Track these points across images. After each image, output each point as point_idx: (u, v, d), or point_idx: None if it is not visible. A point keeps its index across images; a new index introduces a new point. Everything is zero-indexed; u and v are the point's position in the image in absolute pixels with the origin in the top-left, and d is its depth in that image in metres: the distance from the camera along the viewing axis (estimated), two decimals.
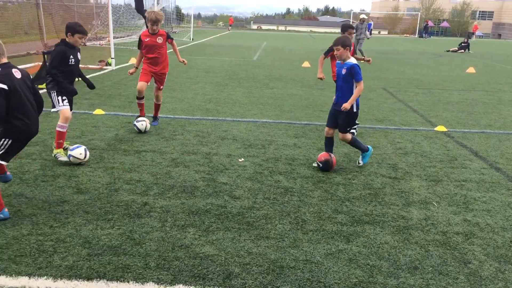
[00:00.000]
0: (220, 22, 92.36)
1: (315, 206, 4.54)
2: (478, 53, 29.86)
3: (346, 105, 5.33)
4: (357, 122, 5.62)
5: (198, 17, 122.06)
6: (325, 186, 5.09)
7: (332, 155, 5.62)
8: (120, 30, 26.00)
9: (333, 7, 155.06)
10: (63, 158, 5.51)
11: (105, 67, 14.34)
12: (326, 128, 5.74)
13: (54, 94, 5.56)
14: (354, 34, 19.85)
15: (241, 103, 9.76)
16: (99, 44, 21.64)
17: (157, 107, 7.60)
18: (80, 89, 10.55)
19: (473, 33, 58.84)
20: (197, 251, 3.57)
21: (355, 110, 5.52)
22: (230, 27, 66.15)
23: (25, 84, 4.04)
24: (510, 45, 46.87)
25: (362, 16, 21.23)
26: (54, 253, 3.45)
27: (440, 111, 9.71)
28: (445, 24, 73.23)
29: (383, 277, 3.34)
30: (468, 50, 30.56)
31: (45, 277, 3.14)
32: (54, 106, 5.69)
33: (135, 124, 6.97)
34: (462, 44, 30.88)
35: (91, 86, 5.99)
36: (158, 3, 24.80)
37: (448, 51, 30.31)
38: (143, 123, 6.94)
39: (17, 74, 3.97)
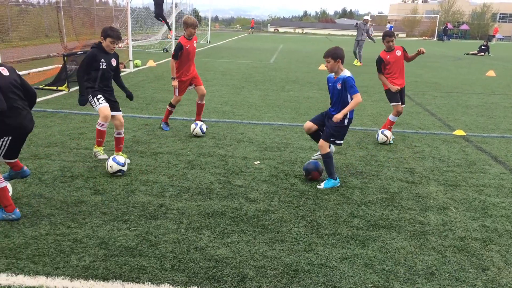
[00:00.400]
0: (238, 25, 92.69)
1: (331, 209, 4.52)
2: (498, 56, 29.35)
3: (338, 116, 4.92)
4: (338, 142, 5.19)
5: (215, 20, 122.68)
6: (341, 189, 5.06)
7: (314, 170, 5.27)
8: (139, 33, 26.31)
9: (351, 10, 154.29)
10: (102, 156, 5.67)
11: (123, 69, 14.52)
12: (308, 123, 5.36)
13: (90, 98, 5.46)
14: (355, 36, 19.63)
15: (257, 105, 9.77)
16: (118, 47, 21.93)
17: (201, 107, 7.58)
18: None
19: (493, 36, 57.93)
20: (212, 253, 3.59)
21: (346, 123, 5.10)
22: (251, 29, 66.52)
23: (13, 81, 4.02)
24: None
25: (365, 17, 20.86)
26: (71, 253, 3.51)
27: (459, 115, 9.57)
28: (464, 26, 72.21)
29: (399, 282, 3.30)
30: (488, 53, 30.07)
31: (62, 276, 3.19)
32: (93, 106, 5.60)
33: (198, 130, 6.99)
34: (482, 47, 30.40)
35: (130, 97, 5.97)
36: (176, 7, 25.02)
37: (467, 54, 29.86)
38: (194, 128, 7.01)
39: (4, 72, 3.98)
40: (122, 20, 22.61)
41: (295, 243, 3.81)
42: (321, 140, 5.17)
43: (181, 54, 6.95)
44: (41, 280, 3.15)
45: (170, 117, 7.58)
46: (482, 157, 6.52)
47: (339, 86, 5.09)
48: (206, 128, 7.19)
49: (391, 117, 7.19)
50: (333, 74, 5.21)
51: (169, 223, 4.07)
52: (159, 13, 22.44)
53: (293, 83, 13.48)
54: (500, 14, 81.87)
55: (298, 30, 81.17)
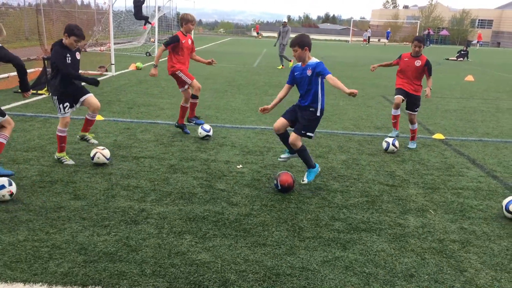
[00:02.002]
0: (221, 29, 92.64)
1: (312, 213, 4.54)
2: (477, 62, 29.97)
3: (351, 90, 4.76)
4: (310, 134, 5.09)
5: (199, 23, 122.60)
6: (322, 193, 5.10)
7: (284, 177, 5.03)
8: (121, 36, 26.11)
9: (334, 15, 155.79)
10: (69, 161, 5.69)
11: (105, 73, 14.38)
12: (280, 120, 5.21)
13: (56, 101, 5.60)
14: (278, 39, 19.42)
15: (240, 109, 9.79)
16: (100, 50, 21.71)
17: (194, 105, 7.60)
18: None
19: (478, 42, 59.26)
20: (194, 258, 3.57)
21: (318, 114, 5.06)
22: (258, 35, 66.90)
23: None
24: (509, 53, 47.04)
25: (284, 19, 20.81)
26: (49, 259, 3.45)
27: (438, 119, 9.74)
28: (444, 32, 73.58)
29: (379, 284, 3.34)
30: (467, 58, 30.68)
31: (40, 283, 3.14)
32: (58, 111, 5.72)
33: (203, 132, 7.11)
34: (461, 52, 31.01)
35: (94, 82, 5.78)
36: (159, 10, 24.92)
37: (447, 59, 30.41)
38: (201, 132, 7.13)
39: None
40: (104, 23, 22.44)
41: (277, 247, 3.82)
42: (292, 135, 5.02)
43: (176, 46, 6.93)
44: (18, 287, 3.10)
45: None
46: (461, 160, 6.65)
47: (308, 72, 4.94)
48: (208, 129, 7.13)
49: (392, 110, 7.50)
50: (300, 63, 5.07)
51: (150, 228, 4.04)
52: (139, 16, 22.39)
53: (276, 87, 13.53)
54: (479, 20, 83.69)
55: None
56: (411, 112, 7.17)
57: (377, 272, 3.51)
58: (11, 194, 4.46)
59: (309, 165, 5.17)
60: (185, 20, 7.00)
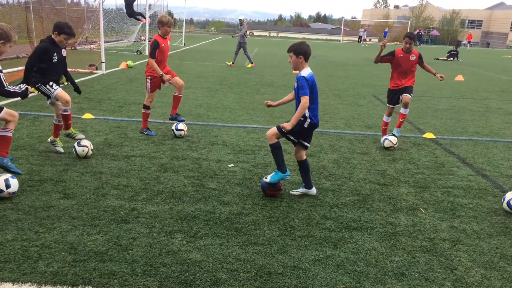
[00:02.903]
0: (212, 28, 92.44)
1: (304, 212, 4.54)
2: (467, 61, 30.24)
3: (286, 126, 4.61)
4: (306, 144, 4.90)
5: (190, 22, 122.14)
6: None
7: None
8: (111, 35, 25.93)
9: (325, 14, 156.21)
10: (59, 148, 5.85)
11: (95, 71, 14.27)
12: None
13: (42, 86, 5.60)
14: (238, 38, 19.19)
15: (232, 108, 9.77)
16: (89, 48, 21.55)
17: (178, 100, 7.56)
18: (69, 93, 10.48)
19: (468, 42, 59.86)
20: (185, 257, 3.55)
21: (306, 126, 4.77)
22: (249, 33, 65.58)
23: None
24: (498, 53, 47.52)
25: (240, 17, 20.46)
26: (39, 259, 3.41)
27: (429, 118, 9.80)
28: (434, 32, 74.12)
29: (370, 283, 3.35)
30: (457, 58, 30.93)
31: (29, 283, 3.10)
32: (49, 97, 5.75)
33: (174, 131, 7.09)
34: (452, 52, 31.26)
35: (77, 90, 6.16)
36: (150, 8, 24.79)
37: (437, 59, 30.64)
38: (181, 132, 7.10)
39: None
40: (94, 21, 22.27)
41: (268, 246, 3.81)
42: (271, 129, 4.83)
43: (160, 52, 6.87)
44: (7, 287, 3.05)
45: (149, 120, 7.45)
46: (451, 159, 6.70)
47: (295, 83, 4.79)
48: (182, 127, 7.11)
49: (384, 117, 7.60)
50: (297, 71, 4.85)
51: (141, 227, 4.01)
52: (130, 14, 22.24)
53: (267, 86, 13.54)
54: (469, 20, 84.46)
55: (273, 34, 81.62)
56: (406, 95, 7.23)
57: (368, 270, 3.52)
58: (10, 194, 4.43)
59: (279, 167, 4.82)
60: (161, 23, 6.93)
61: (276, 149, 4.82)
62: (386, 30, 58.52)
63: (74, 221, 4.06)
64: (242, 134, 7.58)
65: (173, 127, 7.11)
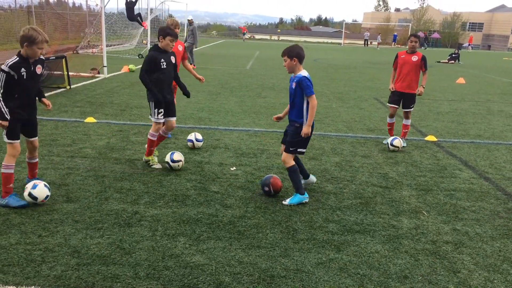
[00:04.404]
0: (214, 31, 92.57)
1: (306, 215, 4.55)
2: (468, 64, 30.24)
3: (305, 130, 4.65)
4: (301, 150, 4.86)
5: None
6: (316, 195, 5.10)
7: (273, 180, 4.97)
8: (113, 39, 26.01)
9: (326, 17, 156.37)
10: (156, 165, 5.77)
11: (97, 75, 14.31)
12: (282, 146, 5.07)
13: (152, 105, 5.68)
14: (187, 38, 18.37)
15: (234, 112, 9.78)
16: (92, 52, 21.62)
17: None
18: (71, 97, 10.54)
19: (469, 44, 60.00)
20: (188, 261, 3.56)
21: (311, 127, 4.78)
22: (245, 36, 64.80)
23: None
24: (499, 56, 47.52)
25: (189, 17, 19.90)
26: (42, 262, 3.42)
27: (430, 121, 9.80)
28: (436, 35, 74.15)
29: (373, 286, 3.35)
30: (458, 61, 30.94)
31: (33, 287, 3.11)
32: (151, 115, 5.79)
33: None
34: (453, 55, 31.26)
35: (187, 94, 6.05)
36: (151, 12, 24.87)
37: (439, 62, 30.65)
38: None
39: None
40: (96, 25, 22.34)
41: (271, 249, 3.81)
42: (283, 154, 4.87)
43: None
44: None
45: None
46: (453, 162, 6.69)
47: (293, 85, 4.77)
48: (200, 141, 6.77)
49: (388, 118, 7.61)
50: (292, 74, 4.89)
51: (143, 231, 4.02)
52: (131, 17, 22.33)
53: (269, 90, 13.56)
54: (470, 23, 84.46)
55: (274, 37, 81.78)
56: (406, 110, 7.35)
57: (371, 273, 3.52)
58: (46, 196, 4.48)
59: (297, 189, 4.82)
60: (166, 25, 6.96)
61: (293, 172, 4.83)
62: (395, 34, 58.98)
63: (77, 224, 4.07)
64: (244, 137, 7.59)
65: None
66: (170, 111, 5.79)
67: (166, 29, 5.58)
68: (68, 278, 3.23)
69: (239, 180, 5.48)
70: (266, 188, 4.97)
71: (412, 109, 7.39)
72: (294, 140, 4.78)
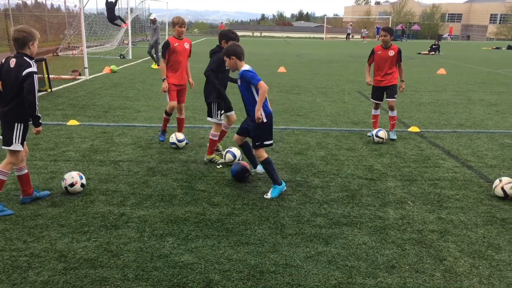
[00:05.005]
0: (196, 29, 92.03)
1: (294, 210, 4.57)
2: (449, 55, 30.63)
3: (256, 115, 4.70)
4: (267, 143, 4.91)
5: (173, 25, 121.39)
6: (303, 189, 5.13)
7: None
8: (93, 40, 25.69)
9: (307, 12, 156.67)
10: (221, 160, 6.00)
11: (78, 77, 14.13)
12: (235, 136, 5.24)
13: (214, 106, 5.85)
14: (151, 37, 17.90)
15: None
16: (72, 54, 21.32)
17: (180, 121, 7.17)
18: (53, 100, 10.39)
19: (449, 35, 60.81)
20: (176, 260, 3.55)
21: (265, 120, 4.80)
22: None
23: None
24: (478, 45, 48.23)
25: (152, 15, 19.19)
26: (28, 268, 3.38)
27: (413, 112, 9.92)
28: (416, 27, 74.90)
29: (361, 277, 3.38)
30: (439, 52, 31.32)
31: None
32: (211, 116, 5.91)
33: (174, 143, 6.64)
34: (433, 46, 31.63)
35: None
36: (131, 12, 24.62)
37: (419, 53, 30.99)
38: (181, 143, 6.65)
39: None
40: (76, 26, 22.03)
41: (260, 245, 3.83)
42: (255, 151, 4.95)
43: (170, 52, 6.50)
44: None
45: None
46: (436, 152, 6.79)
47: (239, 82, 4.90)
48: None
49: (372, 110, 7.63)
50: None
51: (131, 232, 3.99)
52: (111, 18, 22.10)
53: None
54: (449, 14, 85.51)
55: (257, 34, 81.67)
56: (390, 99, 7.40)
57: (359, 265, 3.55)
58: (83, 186, 4.82)
59: (274, 181, 4.90)
60: (172, 24, 6.71)
61: (268, 164, 4.89)
62: (378, 26, 59.52)
63: (62, 229, 4.03)
64: (230, 135, 7.58)
65: (174, 139, 6.57)
66: (229, 108, 6.09)
67: (229, 34, 5.72)
68: (56, 283, 3.20)
69: (226, 177, 5.47)
70: (247, 174, 5.21)
71: (395, 99, 7.44)
72: (256, 134, 4.86)
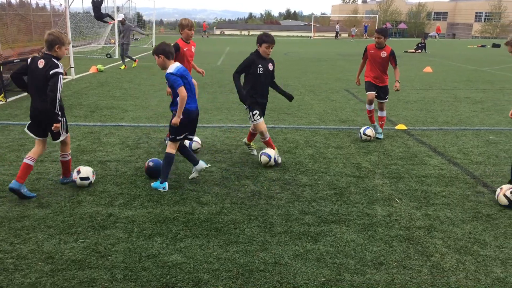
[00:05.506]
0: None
1: (283, 208, 4.58)
2: (435, 53, 30.94)
3: (173, 120, 4.85)
4: (179, 137, 5.04)
5: (160, 23, 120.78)
6: (291, 188, 5.15)
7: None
8: (79, 39, 25.41)
9: (295, 11, 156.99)
10: (254, 151, 6.26)
11: (64, 77, 13.96)
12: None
13: (247, 108, 5.84)
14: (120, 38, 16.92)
15: (206, 108, 9.73)
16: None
17: None
18: None
19: (437, 33, 61.53)
20: (165, 260, 3.54)
21: (181, 116, 4.91)
22: (204, 34, 63.39)
23: None
24: (464, 44, 48.79)
25: (120, 15, 18.58)
26: (15, 270, 3.34)
27: (400, 110, 10.00)
28: (402, 25, 75.51)
29: (350, 274, 3.41)
30: (425, 50, 31.61)
31: None
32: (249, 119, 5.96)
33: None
34: (419, 45, 31.92)
35: (290, 97, 6.12)
36: (118, 11, 24.42)
37: (406, 51, 31.24)
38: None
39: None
40: (61, 25, 21.77)
41: (249, 244, 3.83)
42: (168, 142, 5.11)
43: (177, 56, 6.15)
44: None
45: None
46: (423, 149, 6.86)
47: (166, 82, 5.01)
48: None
49: (366, 106, 7.52)
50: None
51: (119, 233, 3.97)
52: (99, 16, 21.91)
53: None
54: (435, 12, 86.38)
55: (244, 32, 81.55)
56: (381, 101, 7.42)
57: (347, 262, 3.58)
58: (90, 183, 5.02)
59: (163, 176, 4.99)
60: (180, 26, 6.47)
61: (166, 159, 5.00)
62: (366, 25, 59.98)
63: (50, 230, 3.99)
64: (218, 134, 7.58)
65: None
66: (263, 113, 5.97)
67: (262, 37, 5.69)
68: (43, 285, 3.17)
69: (214, 176, 5.47)
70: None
71: (387, 100, 7.47)
72: (171, 129, 4.98)
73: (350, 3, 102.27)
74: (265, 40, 5.66)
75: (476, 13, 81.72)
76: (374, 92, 7.34)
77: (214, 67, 18.82)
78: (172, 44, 6.33)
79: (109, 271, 3.36)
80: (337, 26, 62.34)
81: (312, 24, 72.33)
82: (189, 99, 4.94)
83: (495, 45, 41.85)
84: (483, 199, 4.92)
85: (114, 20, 22.01)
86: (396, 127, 8.20)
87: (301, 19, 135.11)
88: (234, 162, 6.05)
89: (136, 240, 3.84)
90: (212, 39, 55.10)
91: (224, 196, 4.86)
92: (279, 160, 5.97)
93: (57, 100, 4.51)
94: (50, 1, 20.71)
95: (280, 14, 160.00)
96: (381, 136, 7.42)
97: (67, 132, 4.91)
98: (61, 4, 22.00)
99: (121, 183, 5.17)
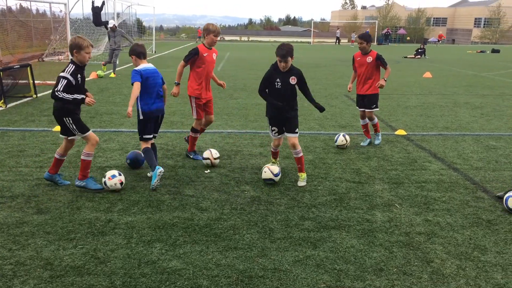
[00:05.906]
0: (183, 34, 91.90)
1: (282, 214, 4.57)
2: (434, 58, 31.01)
3: (128, 110, 5.10)
4: (146, 136, 5.46)
5: (160, 29, 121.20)
6: (291, 193, 5.14)
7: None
8: None
9: (294, 17, 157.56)
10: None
11: None
12: None
13: (268, 121, 5.72)
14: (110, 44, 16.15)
15: None
16: (58, 59, 21.12)
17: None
18: (38, 106, 10.27)
19: (439, 40, 61.83)
20: (164, 266, 3.52)
21: (141, 117, 5.37)
22: (199, 39, 63.86)
23: None
24: (463, 49, 48.93)
25: (111, 21, 17.90)
26: (13, 277, 3.32)
27: (399, 115, 10.01)
28: (402, 31, 75.79)
29: (350, 280, 3.39)
30: (425, 55, 31.69)
31: None
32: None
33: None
34: (419, 50, 32.00)
35: (321, 109, 5.85)
36: (118, 17, 24.51)
37: (405, 57, 31.32)
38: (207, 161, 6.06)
39: None
40: (61, 31, 21.84)
41: (248, 250, 3.82)
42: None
43: (195, 60, 6.08)
44: None
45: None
46: (423, 154, 6.85)
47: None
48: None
49: (360, 120, 7.43)
50: None
51: (118, 239, 3.96)
52: (98, 23, 22.02)
53: (241, 91, 13.56)
54: (434, 18, 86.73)
55: (244, 38, 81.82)
56: (367, 110, 7.19)
57: (347, 268, 3.56)
58: (122, 183, 5.05)
59: (151, 166, 5.30)
60: (206, 31, 6.10)
61: (145, 153, 5.40)
62: (367, 30, 60.68)
63: (49, 236, 3.97)
64: (218, 139, 7.58)
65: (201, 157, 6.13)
66: (288, 128, 5.59)
67: (276, 50, 5.39)
68: None
69: (213, 182, 5.46)
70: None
71: (374, 109, 7.18)
72: (138, 129, 5.46)
73: (350, 9, 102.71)
74: (276, 53, 5.38)
75: (476, 18, 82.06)
76: (363, 110, 7.23)
77: (214, 73, 18.84)
78: (192, 48, 6.25)
79: (108, 278, 3.35)
80: (337, 31, 62.60)
81: (312, 30, 72.58)
82: (149, 100, 5.36)
83: (494, 51, 41.99)
84: (483, 204, 4.91)
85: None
86: (396, 133, 8.20)
87: (300, 25, 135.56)
88: (233, 167, 6.05)
89: (135, 246, 3.82)
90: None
91: (223, 202, 4.85)
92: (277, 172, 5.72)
93: (59, 96, 4.74)
94: (50, 7, 20.72)
95: (279, 20, 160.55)
96: (378, 142, 7.36)
97: (83, 132, 5.05)
98: (61, 10, 22.13)
99: (120, 188, 5.16)
